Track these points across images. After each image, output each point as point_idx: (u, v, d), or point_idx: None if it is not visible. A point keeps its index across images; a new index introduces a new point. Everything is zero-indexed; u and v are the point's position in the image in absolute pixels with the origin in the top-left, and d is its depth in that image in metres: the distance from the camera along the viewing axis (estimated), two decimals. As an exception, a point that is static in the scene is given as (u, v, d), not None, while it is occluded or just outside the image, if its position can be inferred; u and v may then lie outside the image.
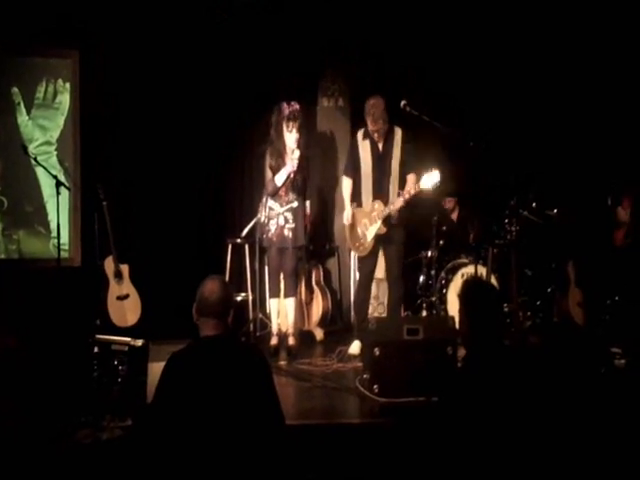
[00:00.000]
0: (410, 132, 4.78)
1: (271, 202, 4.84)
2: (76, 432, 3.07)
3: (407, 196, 4.57)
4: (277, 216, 4.83)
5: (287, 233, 4.82)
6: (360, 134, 4.81)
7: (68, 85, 5.88)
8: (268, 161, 4.83)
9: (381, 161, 4.72)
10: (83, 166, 5.80)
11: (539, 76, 6.05)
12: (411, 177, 4.65)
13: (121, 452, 2.85)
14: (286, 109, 4.76)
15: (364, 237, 4.76)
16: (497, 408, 2.30)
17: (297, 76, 5.87)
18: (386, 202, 4.67)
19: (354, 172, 4.83)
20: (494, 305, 2.55)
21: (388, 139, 4.73)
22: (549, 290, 5.76)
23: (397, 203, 4.60)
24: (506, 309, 5.39)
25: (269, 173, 4.83)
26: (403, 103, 4.62)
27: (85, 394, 3.28)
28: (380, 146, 4.74)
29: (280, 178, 4.79)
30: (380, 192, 4.72)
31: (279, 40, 5.82)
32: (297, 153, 4.76)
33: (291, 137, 4.78)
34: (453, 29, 5.93)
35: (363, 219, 4.77)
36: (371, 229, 4.72)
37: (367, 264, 4.84)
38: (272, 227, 4.82)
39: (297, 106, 4.79)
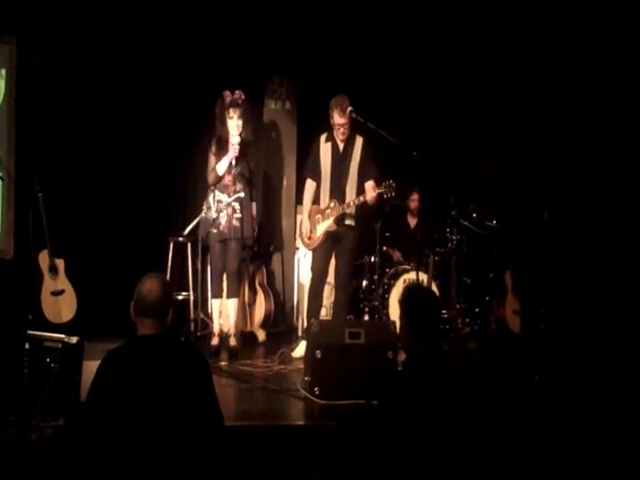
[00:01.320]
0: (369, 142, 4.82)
1: (218, 194, 4.78)
2: (4, 431, 2.95)
3: (362, 199, 4.63)
4: (226, 207, 4.76)
5: (235, 223, 4.77)
6: (323, 137, 4.86)
7: (4, 71, 5.60)
8: (213, 150, 4.78)
9: (340, 162, 4.77)
10: (18, 156, 5.55)
11: (482, 88, 6.21)
12: (369, 184, 4.70)
13: (51, 452, 2.76)
14: (228, 97, 4.74)
15: (314, 231, 4.81)
16: (435, 412, 2.33)
17: (244, 75, 5.82)
18: (342, 202, 4.72)
19: (315, 174, 4.86)
20: (433, 311, 2.59)
21: (349, 143, 4.78)
22: (487, 298, 5.91)
23: (351, 204, 4.68)
24: (445, 315, 5.50)
25: (212, 162, 4.77)
26: (350, 110, 4.67)
27: (15, 392, 3.15)
28: (341, 147, 4.79)
29: (222, 166, 4.73)
30: (337, 193, 4.76)
31: (228, 39, 5.74)
32: (237, 139, 4.71)
33: (232, 123, 4.73)
34: (404, 43, 5.99)
35: (317, 215, 4.84)
36: (322, 224, 4.78)
37: (317, 261, 4.86)
38: (223, 220, 4.76)
39: (240, 94, 4.76)
